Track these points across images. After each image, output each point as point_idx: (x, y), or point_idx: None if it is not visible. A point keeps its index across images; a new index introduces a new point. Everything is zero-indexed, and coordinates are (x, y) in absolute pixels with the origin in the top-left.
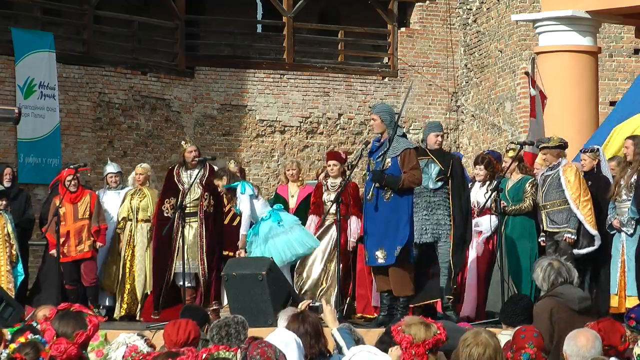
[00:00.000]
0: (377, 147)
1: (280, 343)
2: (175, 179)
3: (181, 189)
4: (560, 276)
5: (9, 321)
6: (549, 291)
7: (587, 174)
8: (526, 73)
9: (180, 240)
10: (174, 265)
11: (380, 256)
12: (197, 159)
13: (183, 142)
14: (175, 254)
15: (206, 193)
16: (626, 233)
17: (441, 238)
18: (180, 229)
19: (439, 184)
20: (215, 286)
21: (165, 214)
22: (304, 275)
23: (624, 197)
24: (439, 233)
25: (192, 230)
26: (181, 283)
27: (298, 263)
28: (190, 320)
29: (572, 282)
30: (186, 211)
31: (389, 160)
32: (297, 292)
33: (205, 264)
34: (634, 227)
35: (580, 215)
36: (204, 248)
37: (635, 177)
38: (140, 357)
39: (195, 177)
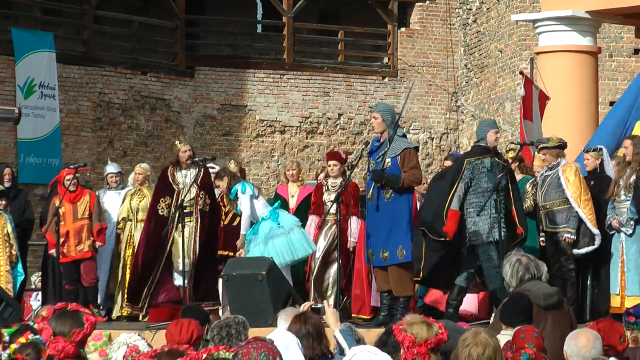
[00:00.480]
0: (376, 147)
1: (279, 346)
2: (170, 179)
3: (176, 189)
4: (528, 272)
5: (9, 321)
6: (517, 287)
7: (590, 174)
8: (521, 72)
9: (180, 239)
10: (162, 263)
11: (383, 256)
12: (195, 159)
13: (177, 142)
14: (171, 254)
15: (202, 192)
16: (625, 233)
17: (502, 237)
18: (181, 228)
19: (503, 182)
20: (211, 286)
21: (161, 213)
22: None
23: (623, 197)
24: (503, 231)
25: (188, 229)
26: (179, 283)
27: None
28: (192, 320)
29: (540, 278)
30: (184, 211)
31: (389, 160)
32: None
33: (196, 262)
34: (633, 227)
35: (582, 214)
36: (199, 247)
37: (634, 177)
38: (141, 357)
39: (193, 180)
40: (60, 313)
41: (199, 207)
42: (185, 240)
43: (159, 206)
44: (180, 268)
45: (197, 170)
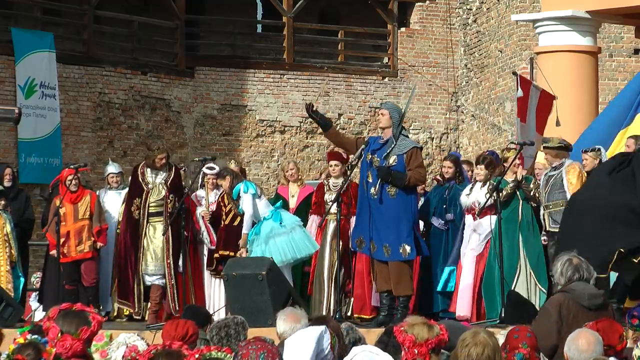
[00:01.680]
0: (381, 145)
1: (311, 337)
2: (140, 178)
3: (145, 189)
4: (577, 272)
5: (9, 321)
6: (564, 286)
7: (588, 174)
8: (514, 73)
9: (149, 241)
10: (141, 265)
11: (385, 252)
12: (196, 159)
13: (156, 149)
14: (142, 254)
15: (171, 195)
16: None
17: None
18: (185, 229)
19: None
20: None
21: (134, 216)
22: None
23: None
24: None
25: (155, 231)
26: (149, 282)
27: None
28: (189, 321)
29: (588, 280)
30: (150, 211)
31: (394, 157)
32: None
33: (172, 266)
34: None
35: None
36: (172, 250)
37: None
38: (138, 356)
39: (192, 183)
40: (66, 313)
41: (168, 210)
42: (155, 242)
43: (132, 208)
44: (149, 270)
45: (168, 172)
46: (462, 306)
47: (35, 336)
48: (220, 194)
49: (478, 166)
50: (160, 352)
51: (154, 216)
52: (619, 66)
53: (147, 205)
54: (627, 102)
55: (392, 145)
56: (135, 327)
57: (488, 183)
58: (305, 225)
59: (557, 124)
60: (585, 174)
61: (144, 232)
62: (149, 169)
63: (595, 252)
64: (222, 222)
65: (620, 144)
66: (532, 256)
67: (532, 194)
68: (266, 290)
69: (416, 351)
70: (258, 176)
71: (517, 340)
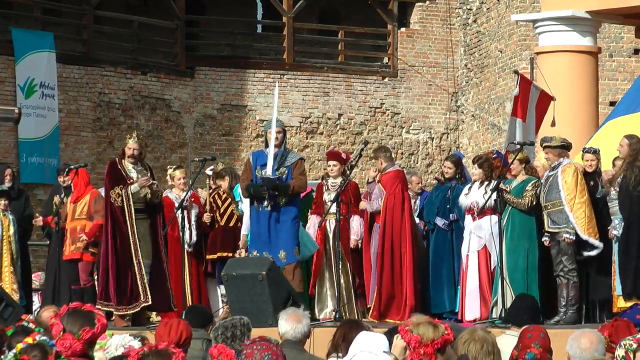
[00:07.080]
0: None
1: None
2: (122, 172)
3: (126, 179)
4: None
5: (9, 321)
6: None
7: (589, 175)
8: (516, 72)
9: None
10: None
11: (282, 256)
12: (196, 159)
13: (129, 138)
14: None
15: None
16: (617, 236)
17: None
18: (183, 221)
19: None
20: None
21: (116, 205)
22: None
23: (613, 195)
24: None
25: (141, 228)
26: None
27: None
28: (182, 321)
29: None
30: (135, 207)
31: (284, 169)
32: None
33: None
34: (622, 228)
35: (572, 219)
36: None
37: (620, 178)
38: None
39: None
40: (72, 311)
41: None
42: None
43: (111, 198)
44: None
45: (144, 170)
46: (473, 308)
47: (44, 338)
48: (212, 193)
49: (473, 166)
50: (149, 352)
51: (137, 212)
52: (619, 66)
53: (129, 195)
54: (629, 102)
55: (284, 158)
56: (136, 328)
57: (487, 183)
58: (305, 225)
59: (553, 124)
60: (582, 174)
61: (131, 223)
62: (128, 164)
63: None
64: (217, 224)
65: (604, 136)
66: (510, 260)
67: (513, 199)
68: (266, 290)
69: (422, 351)
70: None
71: (530, 340)
